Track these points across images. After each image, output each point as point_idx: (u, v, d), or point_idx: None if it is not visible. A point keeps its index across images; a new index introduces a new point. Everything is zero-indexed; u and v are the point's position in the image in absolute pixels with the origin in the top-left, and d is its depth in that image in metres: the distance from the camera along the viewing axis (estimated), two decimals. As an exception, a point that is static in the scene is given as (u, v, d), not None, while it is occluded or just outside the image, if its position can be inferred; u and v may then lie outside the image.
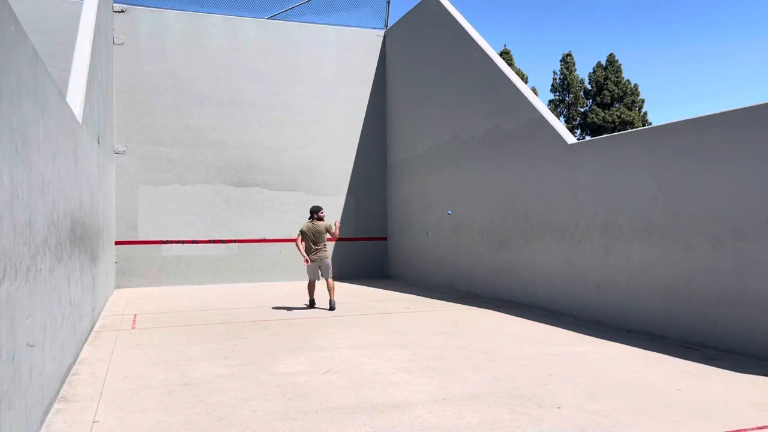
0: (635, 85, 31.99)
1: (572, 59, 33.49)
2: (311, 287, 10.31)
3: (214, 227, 14.53)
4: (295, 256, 15.22)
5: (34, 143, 4.04)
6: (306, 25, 15.70)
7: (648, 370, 5.82)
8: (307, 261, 9.84)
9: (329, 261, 10.13)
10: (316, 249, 9.95)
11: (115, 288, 13.33)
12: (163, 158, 14.23)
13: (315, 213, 10.21)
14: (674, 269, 7.27)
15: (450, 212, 9.90)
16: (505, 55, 29.90)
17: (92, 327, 8.13)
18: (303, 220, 15.87)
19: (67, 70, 8.23)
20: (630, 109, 31.61)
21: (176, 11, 14.67)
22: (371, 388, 5.19)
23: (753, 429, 4.19)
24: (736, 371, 5.76)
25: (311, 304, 10.29)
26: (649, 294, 7.62)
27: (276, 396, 4.99)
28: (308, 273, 10.22)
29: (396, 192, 15.57)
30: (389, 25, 16.32)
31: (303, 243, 9.96)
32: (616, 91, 31.75)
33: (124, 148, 13.91)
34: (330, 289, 10.04)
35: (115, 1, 14.07)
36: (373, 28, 16.42)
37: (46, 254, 4.37)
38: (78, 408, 4.70)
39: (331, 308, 9.93)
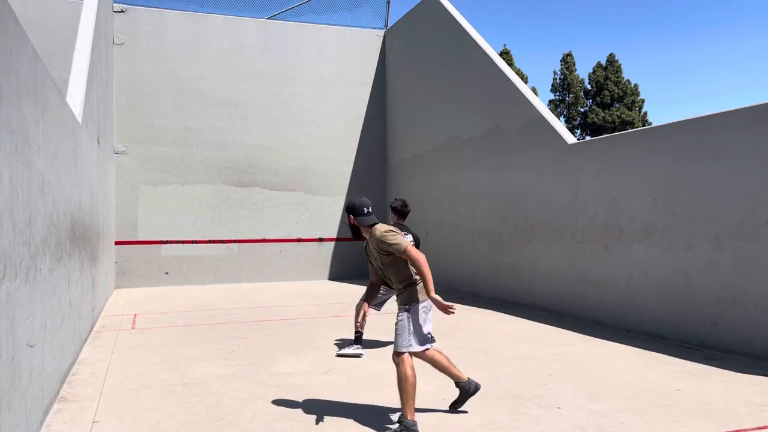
0: (635, 85, 32.01)
1: (572, 59, 33.51)
2: (411, 388, 4.12)
3: (214, 227, 14.52)
4: (295, 255, 15.20)
5: (34, 143, 4.04)
6: (306, 25, 15.69)
7: (648, 370, 5.82)
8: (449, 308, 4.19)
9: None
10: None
11: (115, 288, 13.33)
12: (163, 158, 14.23)
13: (363, 211, 4.41)
14: (674, 269, 7.26)
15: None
16: (505, 55, 29.90)
17: (92, 327, 8.13)
18: (304, 220, 15.96)
19: (67, 70, 8.23)
20: (630, 109, 31.62)
21: (176, 11, 14.65)
22: (371, 389, 5.18)
23: (753, 429, 4.19)
24: (736, 371, 5.76)
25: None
26: (649, 294, 7.62)
27: (276, 396, 4.99)
28: (415, 333, 4.27)
29: (396, 192, 15.55)
30: (389, 25, 16.31)
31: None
32: (616, 91, 31.75)
33: (124, 148, 13.90)
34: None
35: (115, 1, 14.06)
36: (373, 28, 16.41)
37: (45, 254, 4.37)
38: (78, 408, 4.70)
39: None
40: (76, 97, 7.28)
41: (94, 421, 4.38)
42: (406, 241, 4.22)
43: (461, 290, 12.06)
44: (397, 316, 4.30)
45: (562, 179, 9.28)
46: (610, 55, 32.41)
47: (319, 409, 4.64)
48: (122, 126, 13.90)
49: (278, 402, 4.82)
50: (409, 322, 4.23)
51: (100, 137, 9.41)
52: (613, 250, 8.23)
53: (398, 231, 4.29)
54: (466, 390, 4.56)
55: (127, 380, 5.54)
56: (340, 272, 15.24)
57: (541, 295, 9.74)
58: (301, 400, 4.86)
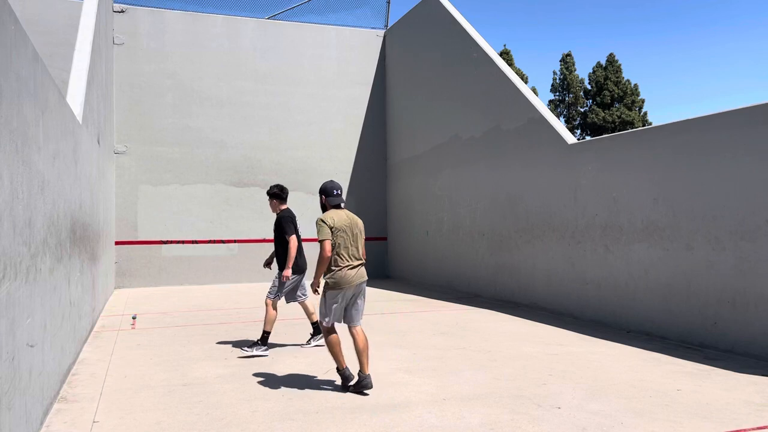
0: (635, 85, 32.00)
1: (572, 59, 33.51)
2: (336, 344, 5.16)
3: (214, 227, 14.52)
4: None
5: (34, 143, 4.04)
6: (306, 25, 15.69)
7: (648, 370, 5.82)
8: (317, 288, 5.19)
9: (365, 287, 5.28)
10: (357, 262, 5.16)
11: (115, 288, 13.33)
12: (163, 158, 14.23)
13: (333, 193, 5.28)
14: (674, 269, 7.26)
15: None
16: (505, 55, 29.90)
17: (92, 327, 8.13)
18: (304, 220, 15.80)
19: (67, 70, 8.24)
20: (630, 109, 31.61)
21: (176, 11, 14.67)
22: (370, 387, 5.18)
23: (753, 429, 4.19)
24: (736, 371, 5.76)
25: (349, 382, 5.13)
26: (649, 294, 7.62)
27: (276, 396, 4.99)
28: (326, 311, 5.14)
29: (396, 192, 15.57)
30: (389, 25, 16.31)
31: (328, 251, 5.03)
32: (616, 91, 31.75)
33: (124, 148, 13.90)
34: (363, 351, 5.09)
35: (115, 1, 14.07)
36: (373, 28, 16.42)
37: (46, 254, 4.37)
38: (78, 408, 4.70)
39: (362, 386, 5.06)
40: (76, 97, 7.28)
41: (94, 421, 4.38)
42: (324, 235, 5.01)
43: (461, 290, 12.06)
44: (364, 285, 5.27)
45: (562, 179, 9.28)
46: (610, 55, 32.41)
47: (319, 408, 4.64)
48: (122, 126, 13.91)
49: (278, 402, 4.82)
50: (323, 301, 5.15)
51: (100, 137, 9.41)
52: (613, 250, 8.23)
53: (325, 224, 5.02)
54: (349, 379, 5.16)
55: (127, 380, 5.54)
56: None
57: (541, 295, 9.74)
58: (300, 400, 4.86)
